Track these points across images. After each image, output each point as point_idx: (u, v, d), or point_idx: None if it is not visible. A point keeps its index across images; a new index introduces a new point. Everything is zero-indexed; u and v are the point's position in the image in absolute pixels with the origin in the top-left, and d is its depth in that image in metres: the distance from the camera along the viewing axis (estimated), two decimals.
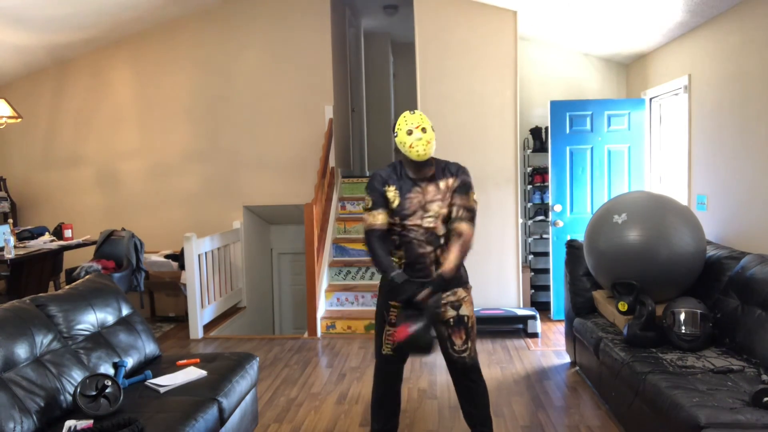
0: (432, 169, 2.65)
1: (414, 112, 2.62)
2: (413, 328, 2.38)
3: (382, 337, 2.73)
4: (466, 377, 2.71)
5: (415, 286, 2.51)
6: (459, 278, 2.68)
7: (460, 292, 2.68)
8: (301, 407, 3.68)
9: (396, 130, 2.61)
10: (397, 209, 2.61)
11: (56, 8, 5.17)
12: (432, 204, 2.60)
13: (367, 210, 2.65)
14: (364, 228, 2.64)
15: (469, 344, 2.67)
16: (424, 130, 2.55)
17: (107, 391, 2.44)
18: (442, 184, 2.62)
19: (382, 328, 2.73)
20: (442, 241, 2.62)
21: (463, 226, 2.56)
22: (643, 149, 5.33)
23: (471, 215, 2.59)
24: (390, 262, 2.60)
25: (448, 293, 2.65)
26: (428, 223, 2.60)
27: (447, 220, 2.62)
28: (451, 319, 2.65)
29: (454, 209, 2.59)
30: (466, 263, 2.79)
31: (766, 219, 3.49)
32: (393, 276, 2.55)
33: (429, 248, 2.61)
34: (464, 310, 2.67)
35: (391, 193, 2.63)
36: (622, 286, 3.42)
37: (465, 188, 2.61)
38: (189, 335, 5.30)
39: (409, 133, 2.54)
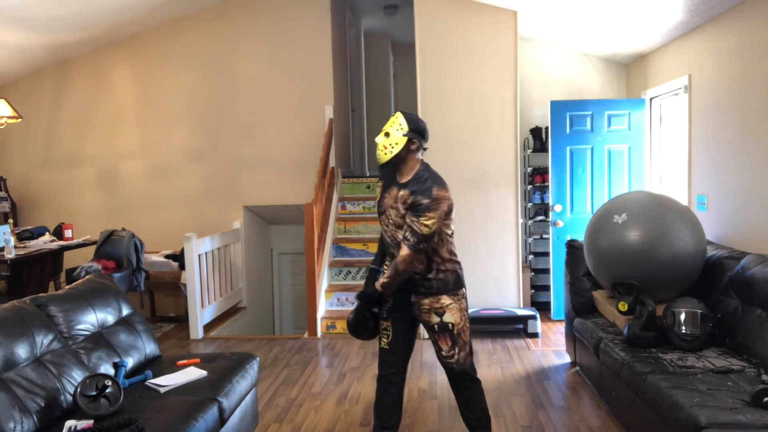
0: (409, 177, 2.59)
1: (394, 114, 2.67)
2: (350, 316, 2.79)
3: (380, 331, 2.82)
4: (459, 381, 2.75)
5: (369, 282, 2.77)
6: (442, 286, 2.63)
7: (444, 299, 2.65)
8: (301, 407, 3.68)
9: None
10: (377, 205, 2.76)
11: (56, 8, 5.17)
12: (391, 210, 2.60)
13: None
14: None
15: (456, 350, 2.67)
16: (387, 134, 2.57)
17: (107, 391, 2.44)
18: (400, 193, 2.57)
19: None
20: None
21: (402, 251, 2.51)
22: (643, 149, 5.33)
23: (415, 240, 2.46)
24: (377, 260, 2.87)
25: (431, 299, 2.65)
26: (390, 225, 2.63)
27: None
28: (435, 325, 2.67)
29: (404, 229, 2.53)
30: (466, 267, 2.85)
31: (766, 219, 3.49)
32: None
33: (392, 250, 2.66)
34: (448, 317, 2.65)
35: (378, 188, 2.77)
36: (622, 286, 3.42)
37: (416, 209, 2.48)
38: (189, 335, 5.30)
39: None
